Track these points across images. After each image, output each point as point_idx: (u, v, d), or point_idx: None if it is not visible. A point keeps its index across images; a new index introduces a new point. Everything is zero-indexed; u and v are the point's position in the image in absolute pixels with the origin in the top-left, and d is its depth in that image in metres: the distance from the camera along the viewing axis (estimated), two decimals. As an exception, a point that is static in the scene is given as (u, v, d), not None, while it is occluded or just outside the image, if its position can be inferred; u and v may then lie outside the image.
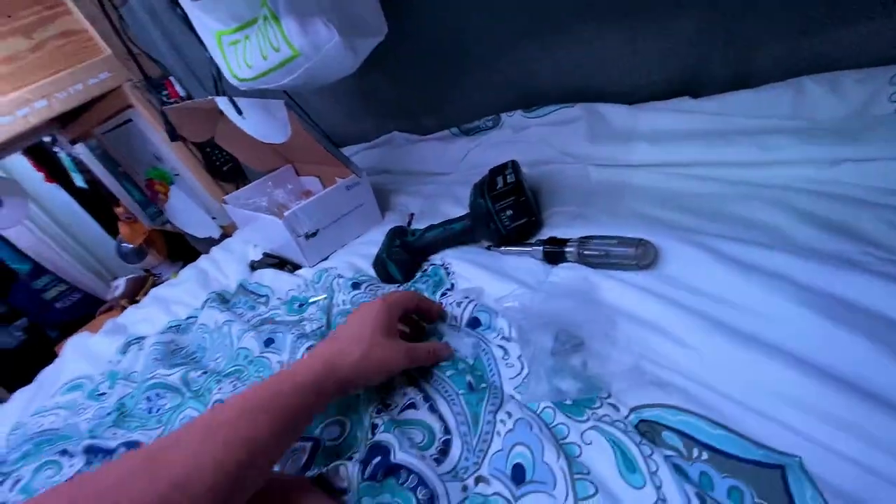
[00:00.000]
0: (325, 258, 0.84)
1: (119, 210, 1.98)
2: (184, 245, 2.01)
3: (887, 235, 0.42)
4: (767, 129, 0.55)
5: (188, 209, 1.49)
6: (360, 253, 0.81)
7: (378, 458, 0.41)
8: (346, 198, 0.83)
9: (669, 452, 0.34)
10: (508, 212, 0.64)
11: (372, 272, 0.74)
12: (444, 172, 0.93)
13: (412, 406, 0.47)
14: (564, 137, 0.73)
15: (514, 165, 0.68)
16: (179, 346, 0.73)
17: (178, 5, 0.71)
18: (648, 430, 0.36)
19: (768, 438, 0.32)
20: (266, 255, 0.91)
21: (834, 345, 0.35)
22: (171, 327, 0.80)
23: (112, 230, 2.32)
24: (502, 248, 0.66)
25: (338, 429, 0.48)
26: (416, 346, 0.48)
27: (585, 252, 0.55)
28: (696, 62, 0.64)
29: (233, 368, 0.64)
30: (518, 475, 0.37)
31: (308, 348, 0.59)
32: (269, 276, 0.83)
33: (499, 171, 0.68)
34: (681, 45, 0.64)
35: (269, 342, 0.65)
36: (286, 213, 0.76)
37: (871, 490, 0.28)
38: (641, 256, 0.50)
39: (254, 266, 0.89)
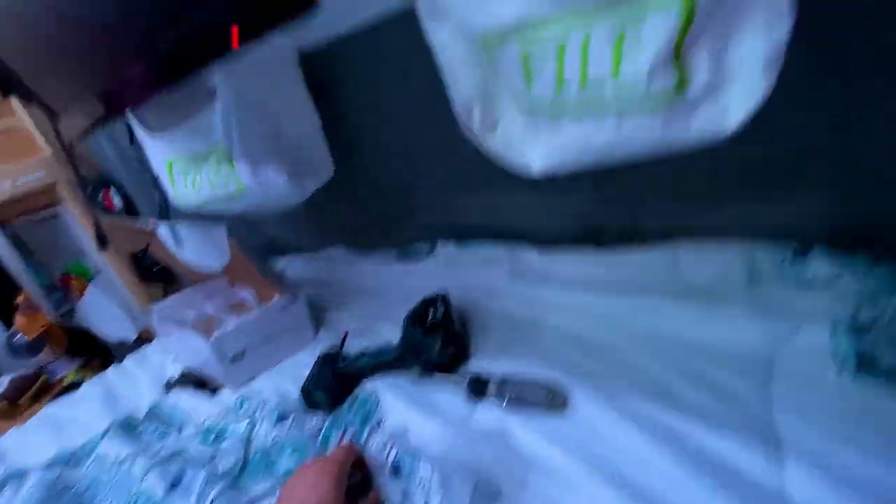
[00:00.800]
0: (252, 379, 0.82)
1: (20, 299, 1.80)
2: (88, 341, 1.83)
3: (746, 394, 0.50)
4: (652, 287, 0.66)
5: (104, 308, 1.40)
6: (289, 375, 0.80)
7: None
8: (281, 317, 0.84)
9: None
10: (438, 344, 0.68)
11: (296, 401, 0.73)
12: (381, 293, 0.98)
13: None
14: (490, 274, 0.82)
15: (444, 299, 0.74)
16: (68, 484, 0.66)
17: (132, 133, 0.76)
18: None
19: None
20: (185, 373, 0.87)
21: (698, 498, 0.40)
22: (60, 459, 0.72)
23: (6, 320, 2.08)
24: (431, 376, 0.69)
25: None
26: None
27: (504, 391, 0.60)
28: (595, 220, 0.78)
29: (130, 515, 0.58)
30: None
31: (218, 495, 0.56)
32: (185, 398, 0.79)
33: (430, 302, 0.74)
34: (585, 207, 0.77)
35: (175, 483, 0.60)
36: (213, 336, 0.75)
37: None
38: (552, 401, 0.56)
39: (170, 386, 0.85)
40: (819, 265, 0.59)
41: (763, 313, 0.57)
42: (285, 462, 0.61)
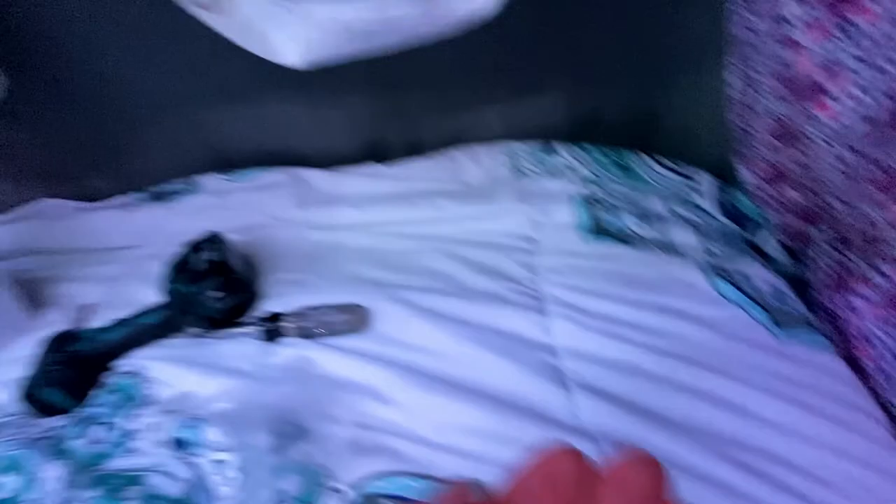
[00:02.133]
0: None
1: None
2: None
3: (516, 270, 0.57)
4: (436, 192, 0.68)
5: None
6: (-3, 380, 0.57)
7: None
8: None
9: (391, 519, 0.37)
10: (216, 293, 0.57)
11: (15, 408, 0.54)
12: (131, 246, 0.77)
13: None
14: (272, 202, 0.72)
15: (215, 238, 0.62)
16: None
17: None
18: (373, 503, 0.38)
19: (459, 471, 0.38)
20: None
21: (492, 370, 0.45)
22: None
23: None
24: (216, 332, 0.59)
25: None
26: None
27: (302, 325, 0.55)
28: (375, 132, 0.74)
29: None
30: None
31: None
32: None
33: (196, 246, 0.61)
34: (360, 118, 0.73)
35: None
36: None
37: None
38: (354, 322, 0.53)
39: None
40: (562, 156, 0.69)
41: (526, 201, 0.65)
42: (3, 485, 0.44)
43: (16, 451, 0.46)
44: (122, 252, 0.77)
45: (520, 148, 0.70)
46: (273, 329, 0.55)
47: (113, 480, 0.42)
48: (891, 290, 0.49)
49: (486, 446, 0.39)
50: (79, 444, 0.47)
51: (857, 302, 0.53)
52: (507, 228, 0.63)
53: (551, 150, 0.69)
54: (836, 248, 0.57)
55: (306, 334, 0.54)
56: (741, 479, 0.36)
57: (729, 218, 0.60)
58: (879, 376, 0.49)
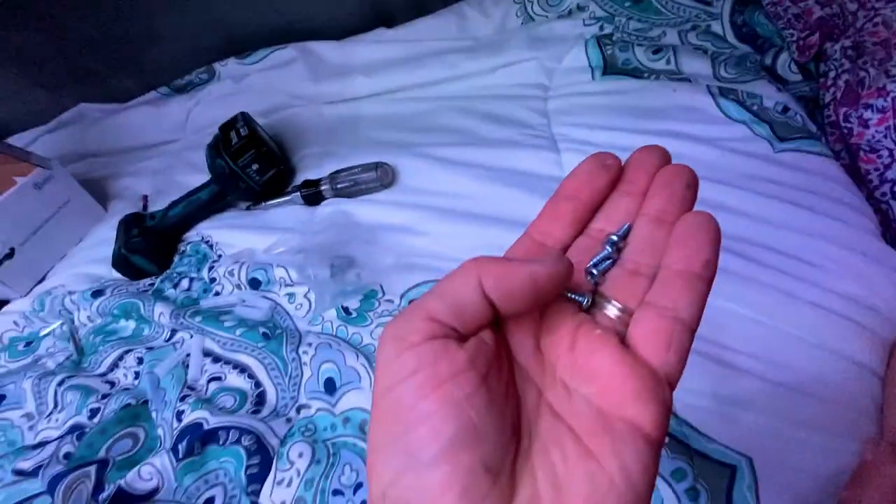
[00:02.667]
0: (42, 279, 0.68)
1: None
2: None
3: (530, 117, 0.60)
4: (446, 50, 0.68)
5: None
6: (90, 259, 0.68)
7: (188, 436, 0.41)
8: (41, 199, 0.67)
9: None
10: (254, 166, 0.63)
11: (115, 275, 0.64)
12: (169, 140, 0.83)
13: (216, 379, 0.47)
14: (288, 80, 0.74)
15: (244, 117, 0.66)
16: None
17: None
18: (417, 307, 0.47)
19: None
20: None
21: (510, 202, 0.50)
22: None
23: None
24: (262, 204, 0.66)
25: (129, 441, 0.45)
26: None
27: (338, 186, 0.60)
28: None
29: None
30: (330, 386, 0.44)
31: (62, 383, 0.50)
32: (-41, 325, 0.62)
33: (229, 126, 0.65)
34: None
35: (-2, 400, 0.52)
36: (-52, 240, 0.57)
37: None
38: (383, 177, 0.59)
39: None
40: (573, -5, 0.66)
41: (535, 48, 0.65)
42: (124, 327, 0.56)
43: (126, 300, 0.56)
44: (161, 147, 0.83)
45: (528, -7, 0.68)
46: (312, 193, 0.62)
47: (211, 312, 0.52)
48: (903, 95, 0.50)
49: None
50: (174, 293, 0.58)
51: (868, 114, 0.54)
52: (519, 78, 0.64)
53: (561, -9, 0.67)
54: (852, 60, 0.56)
55: (342, 193, 0.60)
56: (740, 265, 0.41)
57: (744, 41, 0.59)
58: (885, 185, 0.52)
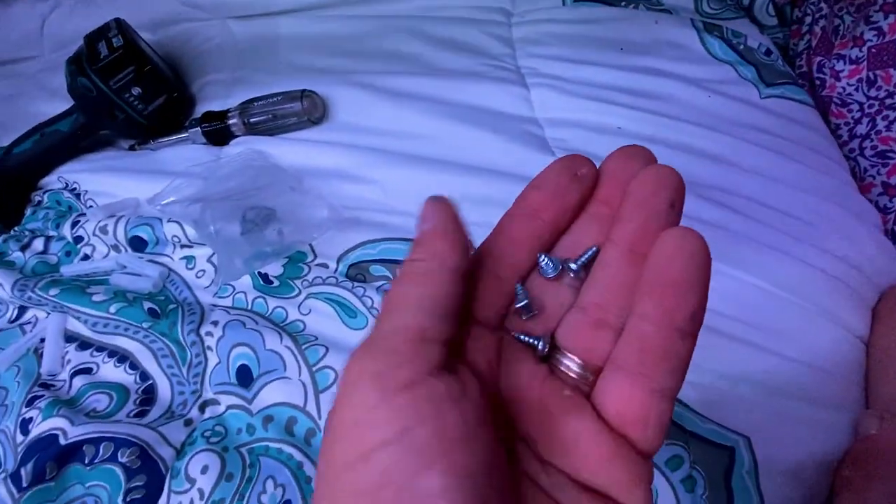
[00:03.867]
0: None
1: None
2: None
3: (492, 45, 0.50)
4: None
5: None
6: None
7: (37, 455, 0.30)
8: None
9: (379, 282, 0.36)
10: (135, 90, 0.48)
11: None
12: (19, 58, 0.63)
13: (83, 372, 0.35)
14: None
15: (118, 25, 0.50)
16: None
17: None
18: (358, 273, 0.37)
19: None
20: None
21: (474, 144, 0.41)
22: None
23: None
24: (150, 142, 0.51)
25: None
26: None
27: (251, 120, 0.48)
28: None
29: None
30: (244, 377, 0.34)
31: None
32: None
33: (97, 36, 0.49)
34: None
35: None
36: None
37: None
38: (310, 109, 0.47)
39: None
40: None
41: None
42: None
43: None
44: (13, 66, 0.63)
45: None
46: (217, 129, 0.48)
47: (74, 283, 0.39)
48: (880, 46, 0.47)
49: (476, 211, 0.37)
50: (21, 257, 0.43)
51: (840, 65, 0.51)
52: (479, 0, 0.53)
53: None
54: (830, 5, 0.53)
55: (257, 129, 0.48)
56: (728, 219, 0.37)
57: (725, -24, 0.53)
58: (854, 141, 0.50)
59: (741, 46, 0.46)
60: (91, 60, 0.47)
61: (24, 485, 0.28)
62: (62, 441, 0.30)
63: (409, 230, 0.37)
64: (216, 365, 0.34)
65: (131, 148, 0.52)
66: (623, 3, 0.50)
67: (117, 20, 0.50)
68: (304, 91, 0.46)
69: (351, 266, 0.37)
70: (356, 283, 0.36)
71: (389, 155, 0.42)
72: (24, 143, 0.48)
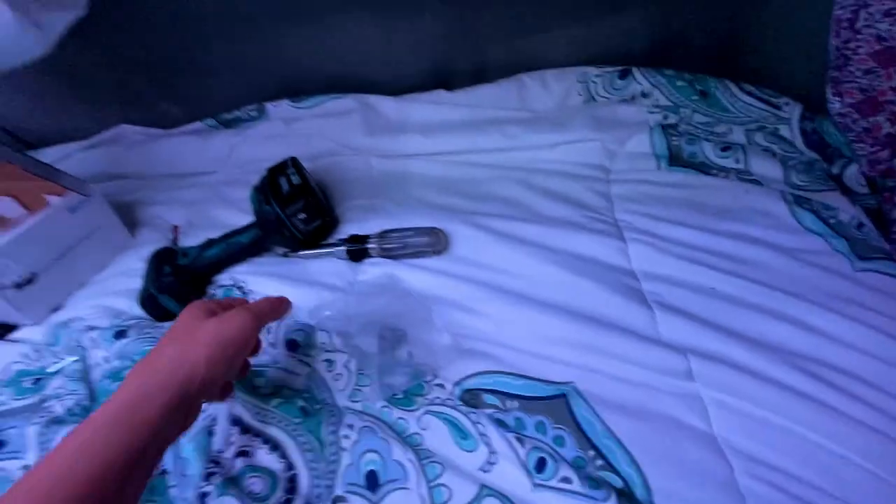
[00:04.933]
0: (57, 308, 0.64)
1: None
2: None
3: (592, 198, 0.58)
4: (505, 120, 0.68)
5: None
6: (111, 290, 0.65)
7: (216, 531, 0.37)
8: (72, 223, 0.64)
9: (489, 410, 0.42)
10: (301, 215, 0.61)
11: (137, 311, 0.61)
12: (207, 172, 0.81)
13: (244, 454, 0.43)
14: (342, 130, 0.74)
15: (295, 163, 0.65)
16: None
17: None
18: (471, 398, 0.43)
19: (553, 376, 0.42)
20: (-57, 321, 0.63)
21: (576, 290, 0.48)
22: None
23: None
24: (300, 252, 0.63)
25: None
26: (252, 303, 0.40)
27: (386, 246, 0.58)
28: (443, 56, 0.73)
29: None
30: (372, 481, 0.40)
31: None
32: (-40, 351, 0.58)
33: (279, 170, 0.64)
34: (428, 40, 0.71)
35: (-7, 447, 0.47)
36: (-27, 262, 0.54)
37: (619, 392, 0.41)
38: (436, 243, 0.57)
39: (-77, 342, 0.61)
40: (637, 82, 0.67)
41: (598, 129, 0.64)
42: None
43: (151, 347, 0.53)
44: (199, 177, 0.81)
45: (593, 73, 0.69)
46: (359, 249, 0.59)
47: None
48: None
49: (577, 355, 0.43)
50: (202, 344, 0.54)
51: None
52: (581, 157, 0.63)
53: (627, 76, 0.67)
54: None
55: (390, 255, 0.58)
56: (815, 389, 0.39)
57: (812, 148, 0.59)
58: None
59: (832, 220, 0.50)
60: (274, 193, 0.61)
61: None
62: (234, 521, 0.37)
63: (519, 366, 0.44)
64: (348, 465, 0.41)
65: (284, 255, 0.65)
66: (714, 172, 0.57)
67: (293, 160, 0.66)
68: (433, 228, 0.57)
69: (466, 391, 0.43)
70: (469, 409, 0.42)
71: (499, 291, 0.49)
72: (214, 248, 0.62)
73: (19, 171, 0.62)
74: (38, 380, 0.55)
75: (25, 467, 0.46)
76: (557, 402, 0.40)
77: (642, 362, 0.42)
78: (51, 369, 0.56)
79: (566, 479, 0.36)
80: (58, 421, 0.48)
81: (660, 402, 0.40)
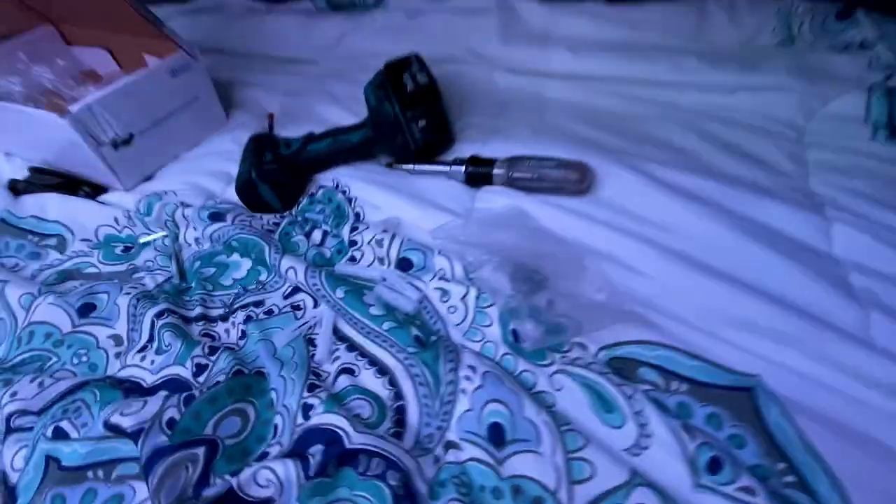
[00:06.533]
0: (149, 177, 0.60)
1: None
2: None
3: (782, 161, 0.48)
4: (676, 49, 0.56)
5: None
6: (203, 169, 0.60)
7: (322, 447, 0.32)
8: (172, 88, 0.59)
9: (646, 387, 0.35)
10: (421, 122, 0.53)
11: (230, 195, 0.56)
12: (311, 60, 0.74)
13: (348, 372, 0.38)
14: (472, 32, 0.64)
15: (419, 62, 0.56)
16: None
17: None
18: (623, 367, 0.36)
19: (734, 363, 0.35)
20: (37, 170, 0.61)
21: (768, 267, 0.39)
22: None
23: None
24: (412, 165, 0.56)
25: (237, 420, 0.36)
26: None
27: (516, 175, 0.50)
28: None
29: (26, 356, 0.42)
30: (497, 435, 0.34)
31: (161, 315, 0.42)
32: (54, 204, 0.55)
33: (401, 67, 0.55)
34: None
35: (86, 309, 0.45)
36: (75, 108, 0.49)
37: (822, 401, 0.33)
38: (580, 180, 0.48)
39: (19, 188, 0.59)
40: (859, 28, 0.53)
41: (797, 77, 0.52)
42: (236, 264, 0.48)
43: (249, 236, 0.48)
44: (302, 66, 0.74)
45: (801, 7, 0.55)
46: (481, 174, 0.51)
47: (352, 285, 0.43)
48: None
49: (768, 345, 0.35)
50: (304, 243, 0.49)
51: None
52: (768, 109, 0.52)
53: (847, 18, 0.53)
54: None
55: (519, 185, 0.50)
56: None
57: None
58: None
59: None
60: (396, 91, 0.53)
61: (311, 473, 0.31)
62: (346, 444, 0.32)
63: (689, 341, 0.36)
64: (466, 411, 0.36)
65: (388, 165, 0.58)
66: (957, 153, 0.45)
67: (417, 57, 0.57)
68: (579, 163, 0.48)
69: (615, 359, 0.37)
70: (622, 379, 0.35)
71: (665, 251, 0.41)
72: (320, 143, 0.56)
73: (125, 18, 0.56)
74: (128, 248, 0.52)
75: (114, 336, 0.43)
76: (741, 396, 0.33)
77: (854, 370, 0.33)
78: (142, 240, 0.53)
79: (748, 490, 0.29)
80: (149, 297, 0.45)
81: (874, 424, 0.32)
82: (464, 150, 0.56)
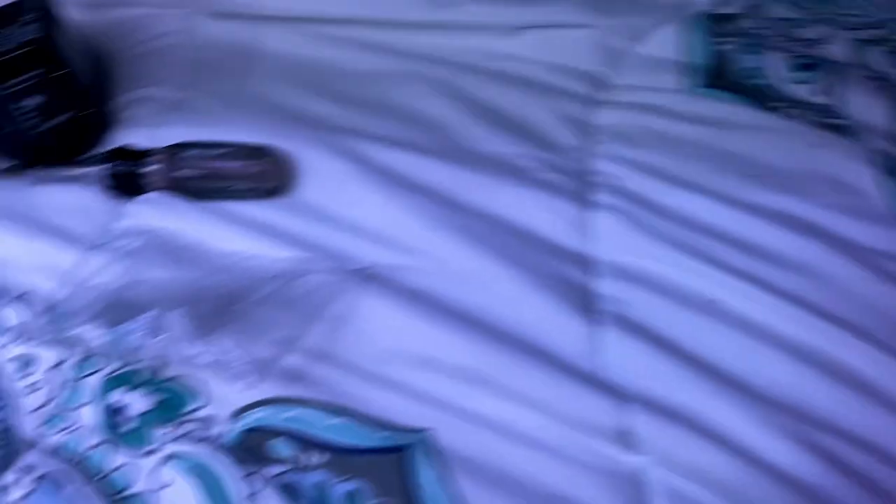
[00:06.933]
0: None
1: None
2: None
3: (557, 130, 0.60)
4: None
5: None
6: None
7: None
8: None
9: (279, 468, 0.44)
10: (34, 98, 0.61)
11: None
12: None
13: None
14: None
15: (41, 5, 0.65)
16: None
17: None
18: (253, 444, 0.45)
19: (395, 414, 0.44)
20: None
21: (485, 280, 0.50)
22: None
23: None
24: (33, 171, 0.64)
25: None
26: None
27: (181, 173, 0.59)
28: None
29: None
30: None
31: None
32: None
33: (6, 17, 0.63)
34: None
35: None
36: None
37: (506, 456, 0.42)
38: (267, 176, 0.58)
39: None
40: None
41: (601, 10, 0.66)
42: None
43: None
44: None
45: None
46: (131, 174, 0.60)
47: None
48: None
49: (446, 385, 0.45)
50: None
51: None
52: (558, 55, 0.65)
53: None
54: None
55: (186, 188, 0.59)
56: None
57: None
58: None
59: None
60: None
61: None
62: None
63: (344, 390, 0.46)
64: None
65: (8, 170, 0.66)
66: (775, 105, 0.59)
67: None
68: (261, 147, 0.58)
69: (247, 433, 0.45)
70: (252, 464, 0.44)
71: (359, 273, 0.51)
72: None
73: None
74: None
75: None
76: (388, 461, 0.42)
77: (556, 410, 0.44)
78: None
79: None
80: None
81: (573, 482, 0.42)
82: (127, 137, 0.64)
